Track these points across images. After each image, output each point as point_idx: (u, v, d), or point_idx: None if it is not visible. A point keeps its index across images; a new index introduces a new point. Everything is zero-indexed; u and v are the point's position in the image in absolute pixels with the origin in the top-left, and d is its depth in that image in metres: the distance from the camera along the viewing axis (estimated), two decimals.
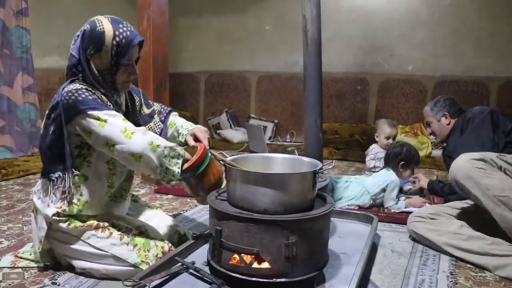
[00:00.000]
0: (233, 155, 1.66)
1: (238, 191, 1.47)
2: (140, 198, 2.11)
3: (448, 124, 2.55)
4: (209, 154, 1.65)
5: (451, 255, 1.96)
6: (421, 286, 1.68)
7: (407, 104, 5.13)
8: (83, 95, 1.50)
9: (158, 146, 1.50)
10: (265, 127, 5.56)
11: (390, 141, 3.29)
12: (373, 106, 5.27)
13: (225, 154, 1.60)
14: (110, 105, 1.61)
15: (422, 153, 4.52)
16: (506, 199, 1.76)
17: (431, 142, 4.67)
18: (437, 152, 4.57)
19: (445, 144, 2.66)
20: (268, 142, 5.32)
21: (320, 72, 2.55)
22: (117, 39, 1.54)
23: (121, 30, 1.56)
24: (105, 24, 1.55)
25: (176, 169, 1.53)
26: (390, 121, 3.40)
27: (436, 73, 4.99)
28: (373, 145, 3.41)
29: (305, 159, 1.70)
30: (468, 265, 1.89)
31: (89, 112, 1.48)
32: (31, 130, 4.31)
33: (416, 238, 2.13)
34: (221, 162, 1.53)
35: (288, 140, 5.51)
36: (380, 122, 3.42)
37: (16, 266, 1.74)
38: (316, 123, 2.54)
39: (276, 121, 5.69)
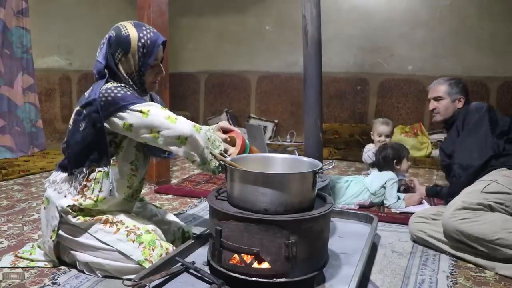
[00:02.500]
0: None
1: (238, 191, 1.48)
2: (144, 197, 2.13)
3: (460, 108, 2.42)
4: (247, 141, 1.75)
5: (452, 255, 1.97)
6: (421, 286, 1.68)
7: (407, 104, 5.13)
8: (122, 91, 1.56)
9: (200, 128, 1.58)
10: (265, 127, 5.55)
11: (383, 138, 3.31)
12: (373, 106, 5.27)
13: (225, 154, 1.60)
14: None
15: (421, 153, 4.52)
16: (500, 241, 1.79)
17: (431, 142, 4.66)
18: (437, 152, 4.55)
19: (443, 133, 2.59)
20: (268, 142, 5.32)
21: (320, 72, 2.55)
22: (142, 40, 1.61)
23: (145, 32, 1.63)
24: (129, 28, 1.62)
25: (218, 152, 1.56)
26: (383, 120, 3.43)
27: (436, 73, 4.97)
28: (369, 145, 3.43)
29: (305, 159, 1.70)
30: (468, 265, 1.89)
31: (130, 107, 1.54)
32: (31, 130, 4.31)
33: (418, 241, 2.11)
34: (221, 162, 1.53)
35: (288, 140, 5.50)
36: (374, 122, 3.48)
37: (16, 266, 1.75)
38: (316, 123, 2.54)
39: (276, 121, 5.69)
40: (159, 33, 1.69)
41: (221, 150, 1.58)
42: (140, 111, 1.54)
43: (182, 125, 1.56)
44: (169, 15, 3.19)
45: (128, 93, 1.58)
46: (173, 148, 1.59)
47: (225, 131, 1.76)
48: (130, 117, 1.54)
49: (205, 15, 6.00)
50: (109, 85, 1.59)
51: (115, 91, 1.55)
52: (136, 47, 1.60)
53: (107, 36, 1.65)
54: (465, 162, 2.17)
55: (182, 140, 1.55)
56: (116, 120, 1.56)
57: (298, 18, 2.65)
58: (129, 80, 1.66)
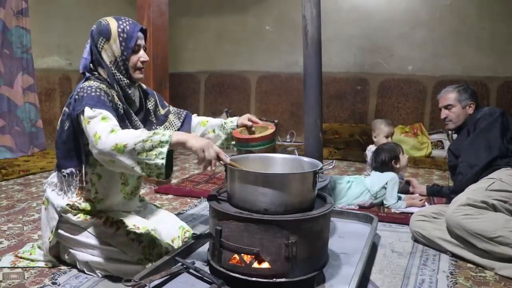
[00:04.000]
0: (233, 155, 1.66)
1: (238, 191, 1.47)
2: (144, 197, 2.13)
3: (471, 114, 2.43)
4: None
5: (453, 255, 1.97)
6: (421, 286, 1.68)
7: (407, 104, 5.13)
8: (88, 92, 1.55)
9: (125, 146, 1.40)
10: None
11: (389, 139, 3.30)
12: (373, 106, 5.27)
13: (225, 154, 1.60)
14: (116, 103, 1.63)
15: (421, 153, 4.53)
16: (500, 239, 1.81)
17: (431, 142, 4.67)
18: (437, 152, 4.57)
19: (453, 133, 2.60)
20: None
21: (320, 72, 2.55)
22: (122, 26, 1.65)
23: (123, 20, 1.67)
24: (108, 19, 1.67)
25: (159, 161, 1.39)
26: (386, 120, 3.44)
27: (436, 73, 4.98)
28: (370, 146, 3.42)
29: (305, 159, 1.70)
30: (468, 265, 1.89)
31: (85, 108, 1.52)
32: (31, 130, 4.31)
33: (420, 239, 2.12)
34: (221, 162, 1.53)
35: (288, 140, 5.50)
36: (376, 122, 3.46)
37: (16, 266, 1.75)
38: (316, 123, 2.54)
39: (276, 121, 5.69)
40: (138, 23, 1.73)
41: (162, 158, 1.39)
42: (84, 119, 1.50)
43: (102, 146, 1.42)
44: (169, 15, 3.20)
45: (93, 94, 1.54)
46: (108, 166, 1.50)
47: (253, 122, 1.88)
48: (82, 120, 1.53)
49: (205, 15, 6.00)
50: (86, 84, 1.59)
51: (85, 90, 1.55)
52: (117, 32, 1.63)
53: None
54: (472, 161, 2.22)
55: (110, 161, 1.45)
56: (81, 119, 1.55)
57: (298, 18, 2.65)
58: (112, 68, 1.65)
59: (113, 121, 1.50)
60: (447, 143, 4.56)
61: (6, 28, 4.02)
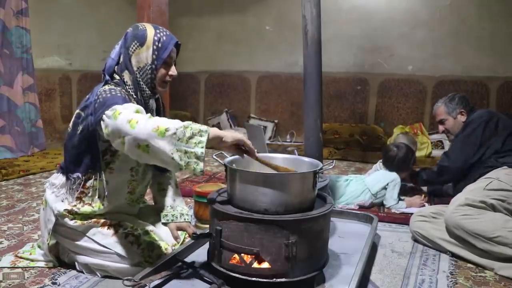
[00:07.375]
0: (233, 155, 1.66)
1: (238, 191, 1.48)
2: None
3: (464, 121, 2.47)
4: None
5: (453, 254, 1.97)
6: (421, 286, 1.68)
7: (407, 104, 5.13)
8: (113, 92, 1.51)
9: (166, 129, 1.30)
10: (265, 127, 5.55)
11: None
12: (373, 106, 5.27)
13: (225, 154, 1.60)
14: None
15: (422, 153, 4.52)
16: (499, 239, 1.81)
17: (431, 142, 4.67)
18: (437, 152, 4.57)
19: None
20: (268, 142, 5.32)
21: (320, 72, 2.55)
22: (158, 35, 1.61)
23: (161, 29, 1.64)
24: (146, 25, 1.64)
25: (199, 150, 1.30)
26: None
27: (436, 73, 4.98)
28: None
29: (305, 159, 1.70)
30: (468, 265, 1.89)
31: (112, 107, 1.44)
32: (31, 130, 4.31)
33: (420, 239, 2.12)
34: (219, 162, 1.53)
35: (288, 140, 5.50)
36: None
37: (16, 266, 1.75)
38: (316, 123, 2.54)
39: (276, 121, 5.69)
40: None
41: (202, 147, 1.30)
42: (114, 112, 1.40)
43: (140, 129, 1.31)
44: (169, 15, 3.20)
45: (118, 95, 1.50)
46: (140, 158, 1.39)
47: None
48: (107, 119, 1.42)
49: (205, 15, 6.00)
50: (106, 87, 1.54)
51: (107, 92, 1.50)
52: (152, 40, 1.59)
53: (124, 34, 1.64)
54: (451, 163, 2.37)
55: (143, 148, 1.33)
56: (102, 123, 1.46)
57: (298, 18, 2.65)
58: (138, 75, 1.59)
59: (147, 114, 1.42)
60: (447, 143, 4.56)
61: (6, 28, 4.02)
